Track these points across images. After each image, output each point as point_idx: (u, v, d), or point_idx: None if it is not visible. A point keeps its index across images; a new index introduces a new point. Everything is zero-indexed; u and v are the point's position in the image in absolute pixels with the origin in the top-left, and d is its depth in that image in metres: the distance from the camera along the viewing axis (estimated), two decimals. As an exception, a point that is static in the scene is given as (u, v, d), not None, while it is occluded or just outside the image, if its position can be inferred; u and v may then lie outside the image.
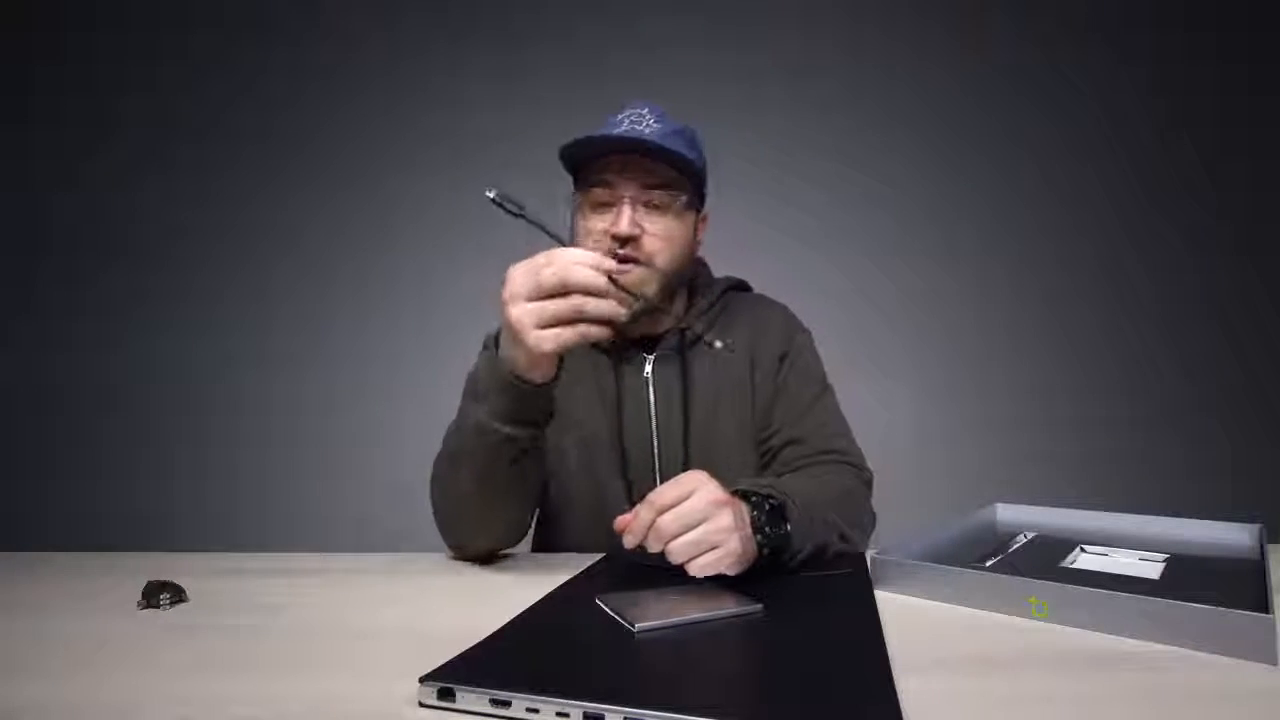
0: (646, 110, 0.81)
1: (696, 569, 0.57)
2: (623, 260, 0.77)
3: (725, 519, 0.58)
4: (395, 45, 2.07)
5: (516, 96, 2.06)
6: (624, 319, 0.63)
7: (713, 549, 0.57)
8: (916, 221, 2.12)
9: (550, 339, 0.59)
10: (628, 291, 0.64)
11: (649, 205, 0.80)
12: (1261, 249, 2.13)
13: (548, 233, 0.65)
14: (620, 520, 0.60)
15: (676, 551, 0.57)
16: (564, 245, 0.62)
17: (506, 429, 0.66)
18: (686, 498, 0.58)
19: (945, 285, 2.12)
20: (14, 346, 2.01)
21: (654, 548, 0.58)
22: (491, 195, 0.61)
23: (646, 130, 0.79)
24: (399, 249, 2.07)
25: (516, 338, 0.60)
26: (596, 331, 0.59)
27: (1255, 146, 2.13)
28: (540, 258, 0.59)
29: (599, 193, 0.80)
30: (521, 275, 0.60)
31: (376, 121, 2.07)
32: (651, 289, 0.80)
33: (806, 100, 2.10)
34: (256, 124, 2.05)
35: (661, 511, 0.58)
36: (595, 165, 0.80)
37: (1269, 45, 2.12)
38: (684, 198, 0.82)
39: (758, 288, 1.00)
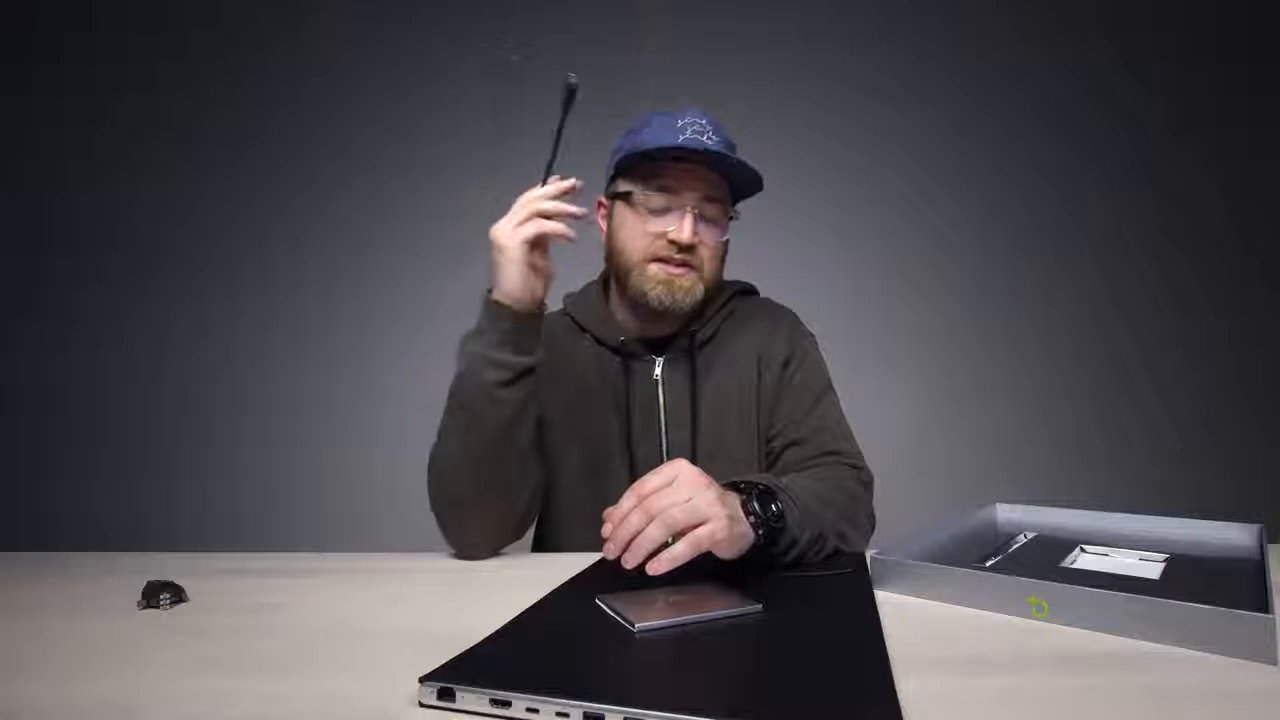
0: (705, 121, 0.83)
1: (688, 544, 0.56)
2: (679, 265, 0.82)
3: (710, 496, 0.58)
4: (395, 45, 2.07)
5: (517, 96, 2.06)
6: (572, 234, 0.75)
7: (702, 523, 0.57)
8: (917, 221, 2.12)
9: (511, 231, 0.73)
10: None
11: (704, 217, 0.82)
12: (1261, 249, 2.13)
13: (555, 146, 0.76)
14: (608, 513, 0.60)
15: (664, 526, 0.56)
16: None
17: (491, 351, 0.74)
18: (670, 483, 0.59)
19: (946, 285, 2.12)
20: (14, 346, 2.01)
21: (640, 549, 0.56)
22: (573, 81, 0.73)
23: (709, 142, 0.80)
24: (400, 248, 2.07)
25: (494, 243, 0.74)
26: (551, 225, 0.73)
27: (1255, 146, 2.13)
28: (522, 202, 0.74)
29: (660, 197, 0.82)
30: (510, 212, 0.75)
31: (376, 121, 2.07)
32: (698, 294, 0.84)
33: (807, 99, 2.10)
34: (256, 124, 2.05)
35: (645, 497, 0.58)
36: (657, 169, 0.82)
37: (1269, 45, 2.12)
38: (731, 212, 0.86)
39: (757, 285, 1.00)
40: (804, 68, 2.10)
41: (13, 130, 2.01)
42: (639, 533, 0.57)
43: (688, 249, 0.81)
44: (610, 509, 0.60)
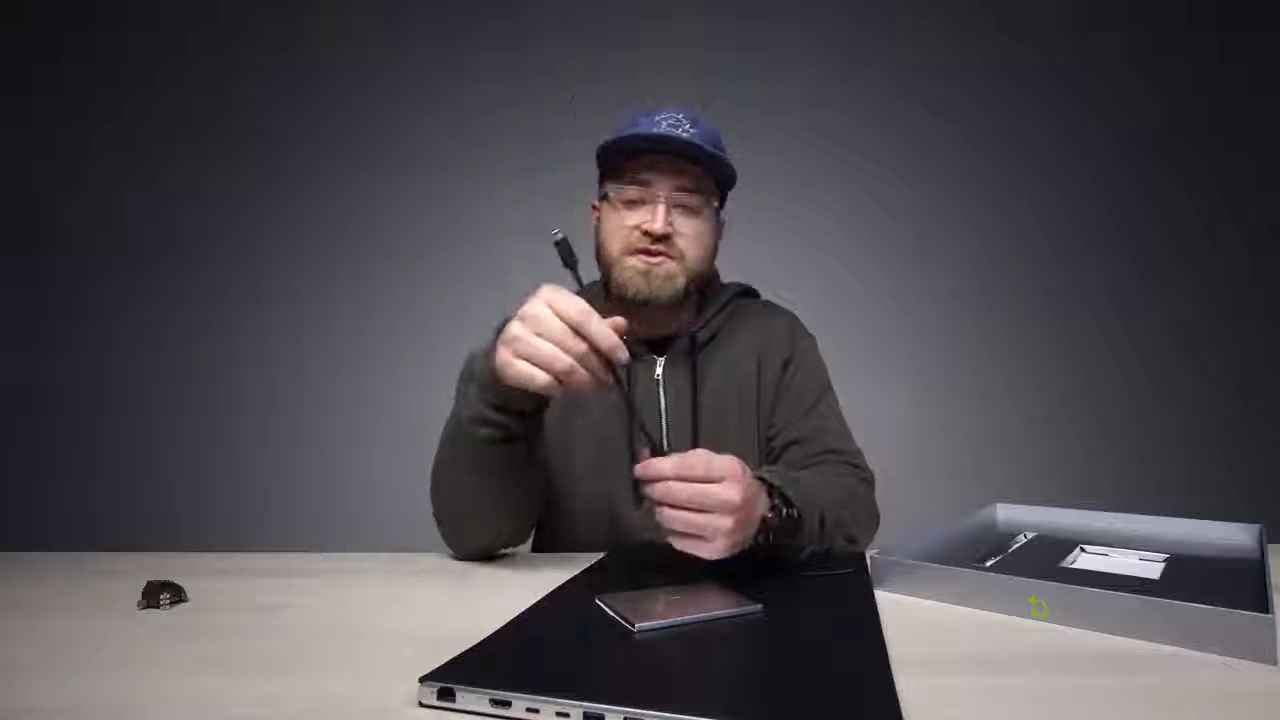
0: (683, 115, 0.83)
1: (678, 545, 0.57)
2: (655, 255, 0.81)
3: (730, 522, 0.57)
4: (395, 45, 2.07)
5: (517, 96, 2.06)
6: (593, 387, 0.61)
7: (701, 539, 0.57)
8: (918, 221, 2.12)
9: (513, 365, 0.59)
10: (615, 378, 0.61)
11: (681, 207, 0.82)
12: (1261, 249, 2.13)
13: (578, 280, 0.64)
14: (646, 465, 0.58)
15: (672, 521, 0.57)
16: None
17: (492, 413, 0.67)
18: (719, 480, 0.57)
19: (946, 284, 2.12)
20: (14, 346, 2.01)
21: (655, 499, 0.57)
22: (558, 238, 0.61)
23: (685, 134, 0.80)
24: (400, 250, 2.07)
25: (502, 342, 0.60)
26: (545, 380, 0.58)
27: (1255, 146, 2.13)
28: (578, 312, 0.57)
29: (634, 191, 0.82)
30: (552, 304, 0.58)
31: (376, 122, 2.07)
32: (679, 283, 0.82)
33: (808, 100, 2.10)
34: (256, 124, 2.05)
35: (687, 472, 0.56)
36: (632, 164, 0.82)
37: (1269, 45, 2.12)
38: (714, 202, 0.85)
39: (757, 285, 1.00)
40: (804, 67, 2.10)
41: (13, 130, 2.01)
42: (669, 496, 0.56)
43: (663, 239, 0.81)
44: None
